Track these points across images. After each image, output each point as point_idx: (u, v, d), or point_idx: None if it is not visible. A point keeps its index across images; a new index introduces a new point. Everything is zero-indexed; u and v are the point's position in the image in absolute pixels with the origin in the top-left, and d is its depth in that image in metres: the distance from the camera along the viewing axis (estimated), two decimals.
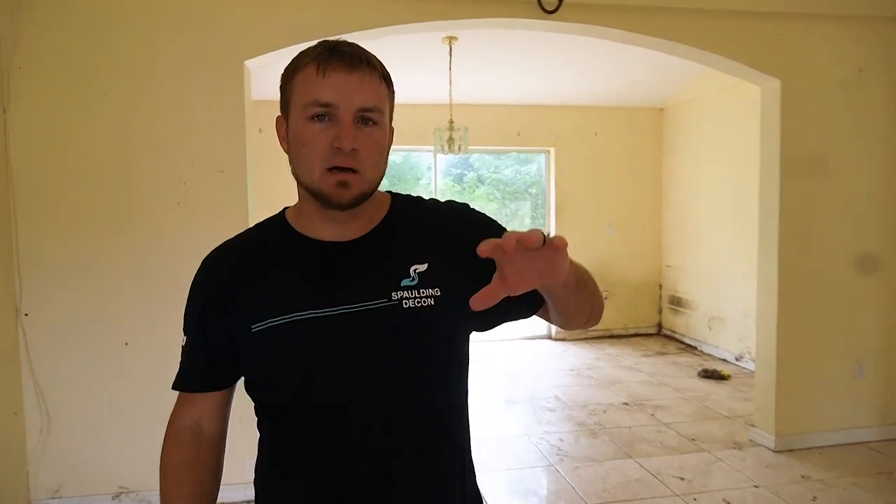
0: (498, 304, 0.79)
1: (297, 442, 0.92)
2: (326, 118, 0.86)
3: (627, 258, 6.35)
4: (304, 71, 0.88)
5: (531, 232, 0.69)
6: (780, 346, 3.42)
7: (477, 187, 7.07)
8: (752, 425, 3.67)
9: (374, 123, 0.88)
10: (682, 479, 3.15)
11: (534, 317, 1.03)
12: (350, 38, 2.78)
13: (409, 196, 1.04)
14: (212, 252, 1.00)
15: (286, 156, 0.93)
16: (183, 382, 1.00)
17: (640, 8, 3.09)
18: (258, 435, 0.99)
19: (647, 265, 6.43)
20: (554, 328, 6.31)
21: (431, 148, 4.83)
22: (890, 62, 3.45)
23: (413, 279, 0.91)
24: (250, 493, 1.05)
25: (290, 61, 0.92)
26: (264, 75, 2.92)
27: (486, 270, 0.74)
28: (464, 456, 1.01)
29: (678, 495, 2.97)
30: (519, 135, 6.13)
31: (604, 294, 5.43)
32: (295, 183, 0.93)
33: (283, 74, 0.92)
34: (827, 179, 3.42)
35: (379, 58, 0.92)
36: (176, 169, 2.75)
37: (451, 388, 0.98)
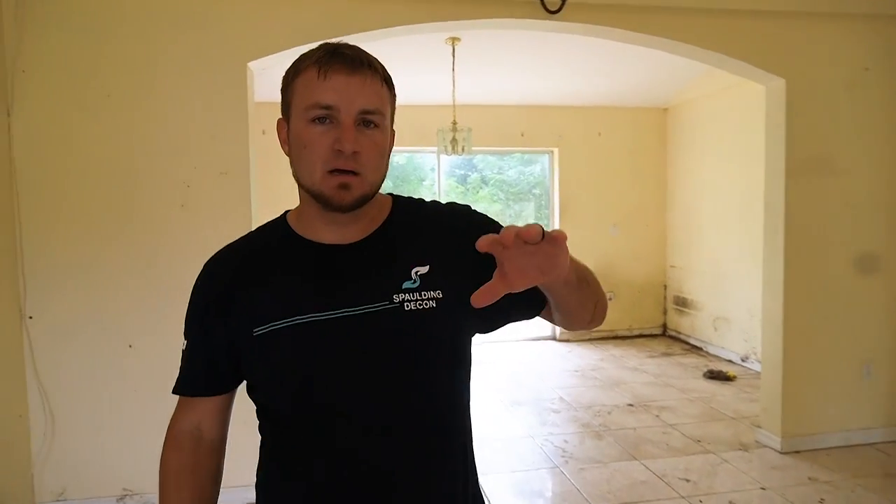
0: (500, 304, 0.79)
1: (299, 445, 0.92)
2: (328, 121, 0.86)
3: (632, 259, 6.33)
4: (305, 74, 0.88)
5: (530, 226, 0.68)
6: (786, 347, 3.40)
7: (480, 188, 7.05)
8: (759, 426, 3.65)
9: (376, 126, 0.88)
10: (687, 480, 3.13)
11: (537, 318, 1.02)
12: (353, 39, 2.78)
13: (410, 198, 1.03)
14: (213, 256, 1.00)
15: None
16: (183, 386, 0.99)
17: (643, 7, 3.08)
18: (259, 437, 0.99)
19: (651, 266, 6.41)
20: (558, 329, 6.30)
21: (435, 149, 4.82)
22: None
23: (415, 281, 0.91)
24: (250, 496, 1.04)
25: (291, 64, 0.92)
26: (267, 77, 2.92)
27: (487, 271, 0.74)
28: (466, 457, 1.00)
29: (684, 497, 2.95)
30: (522, 135, 6.12)
31: (608, 295, 5.41)
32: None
33: (283, 77, 0.92)
34: (832, 179, 3.40)
35: (382, 59, 0.92)
36: (179, 171, 2.75)
37: (454, 390, 0.97)
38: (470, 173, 7.02)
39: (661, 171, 6.38)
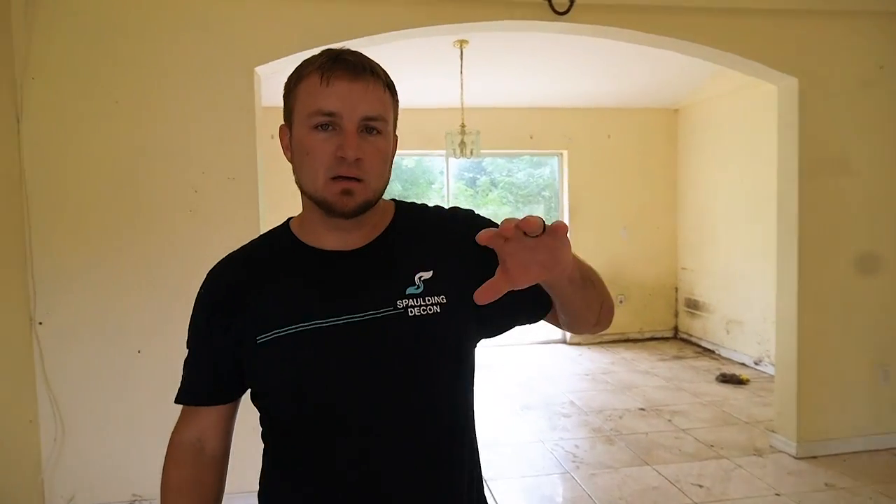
0: (504, 307, 0.79)
1: (303, 452, 0.91)
2: (330, 127, 0.86)
3: (642, 261, 6.28)
4: (308, 80, 0.87)
5: (529, 217, 0.67)
6: (800, 350, 3.34)
7: (490, 191, 7.03)
8: (773, 431, 3.59)
9: (378, 132, 0.88)
10: (700, 486, 3.08)
11: (542, 322, 1.01)
12: (360, 42, 2.76)
13: (412, 203, 1.03)
14: (216, 264, 1.00)
15: None
16: (186, 396, 0.99)
17: (652, 7, 3.05)
18: (261, 444, 0.98)
19: (662, 267, 6.35)
20: (568, 333, 6.24)
21: (443, 152, 4.81)
22: None
23: (418, 287, 0.91)
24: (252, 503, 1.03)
25: (293, 70, 0.91)
26: (275, 81, 2.91)
27: (491, 275, 0.73)
28: (471, 462, 0.99)
29: (697, 503, 2.91)
30: (531, 138, 6.09)
31: (619, 298, 5.35)
32: None
33: (286, 83, 0.92)
34: (847, 179, 3.35)
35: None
36: (187, 177, 2.76)
37: (459, 396, 0.96)
38: (479, 176, 7.00)
39: (671, 172, 6.33)
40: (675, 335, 6.42)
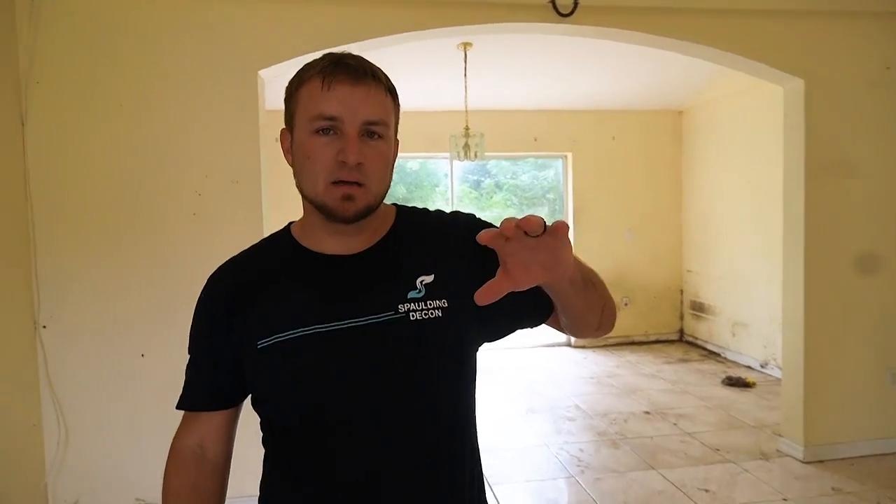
0: (506, 310, 0.80)
1: (304, 456, 0.91)
2: (331, 132, 0.86)
3: (647, 263, 6.25)
4: (309, 84, 0.87)
5: (530, 216, 0.68)
6: (807, 353, 3.32)
7: (494, 193, 7.02)
8: (780, 435, 3.57)
9: (380, 137, 0.88)
10: (706, 491, 3.06)
11: (544, 326, 1.01)
12: (364, 45, 2.75)
13: (413, 208, 1.03)
14: (217, 269, 1.00)
15: None
16: (187, 401, 0.99)
17: (657, 9, 3.03)
18: (261, 448, 0.98)
19: (667, 270, 6.33)
20: (571, 337, 6.23)
21: (448, 155, 4.80)
22: None
23: (420, 291, 0.91)
24: None
25: (294, 74, 0.91)
26: (278, 85, 2.91)
27: (492, 279, 0.74)
28: (473, 466, 0.99)
29: None
30: (536, 140, 6.08)
31: (623, 300, 5.33)
32: None
33: (287, 87, 0.92)
34: (853, 181, 3.32)
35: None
36: (191, 180, 2.76)
37: (460, 399, 0.96)
38: (484, 179, 6.99)
39: (676, 174, 6.31)
40: (681, 338, 6.38)
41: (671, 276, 6.34)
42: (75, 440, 2.74)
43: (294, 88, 0.90)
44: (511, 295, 0.75)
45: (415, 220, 1.00)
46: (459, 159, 4.61)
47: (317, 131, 0.86)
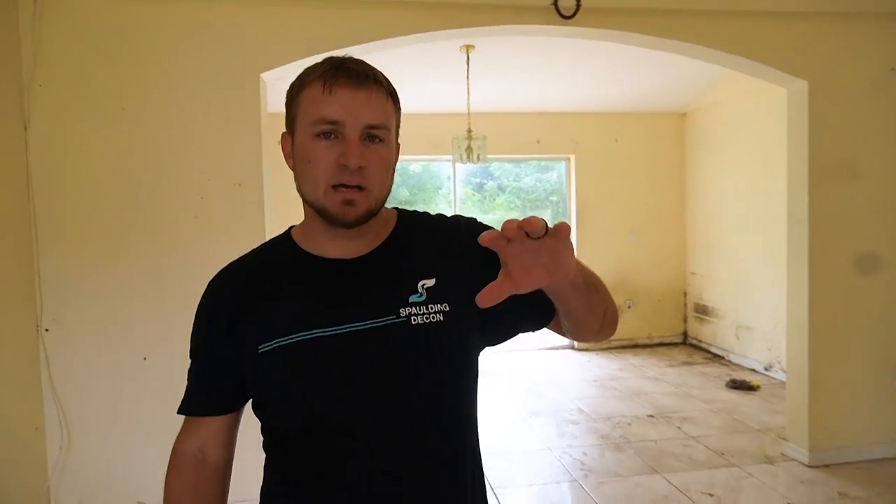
0: (507, 314, 0.80)
1: (305, 462, 0.91)
2: (332, 136, 0.86)
3: (651, 266, 6.24)
4: (310, 88, 0.87)
5: (531, 218, 0.68)
6: (812, 356, 3.30)
7: (497, 196, 7.02)
8: (785, 439, 3.54)
9: (381, 140, 0.88)
10: (711, 495, 3.04)
11: (545, 330, 1.01)
12: (367, 48, 2.75)
13: (414, 212, 1.03)
14: (217, 274, 1.00)
15: None
16: (189, 406, 0.98)
17: (660, 11, 3.03)
18: (262, 452, 0.98)
19: (671, 273, 6.31)
20: (572, 340, 6.21)
21: (450, 157, 4.80)
22: None
23: (421, 295, 0.91)
24: None
25: (295, 78, 0.91)
26: (281, 87, 2.91)
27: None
28: (473, 469, 0.98)
29: None
30: (538, 142, 6.08)
31: (627, 303, 5.31)
32: None
33: (288, 91, 0.92)
34: (858, 182, 3.31)
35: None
36: (193, 183, 2.76)
37: (462, 403, 0.96)
38: (487, 181, 6.99)
39: (679, 176, 6.29)
40: (685, 341, 6.36)
41: (675, 279, 6.32)
42: (77, 443, 2.74)
43: (295, 92, 0.90)
44: (512, 298, 0.75)
45: (416, 224, 1.00)
46: (462, 162, 4.61)
47: (318, 135, 0.86)
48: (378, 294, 0.91)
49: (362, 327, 0.88)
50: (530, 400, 4.64)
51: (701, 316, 6.11)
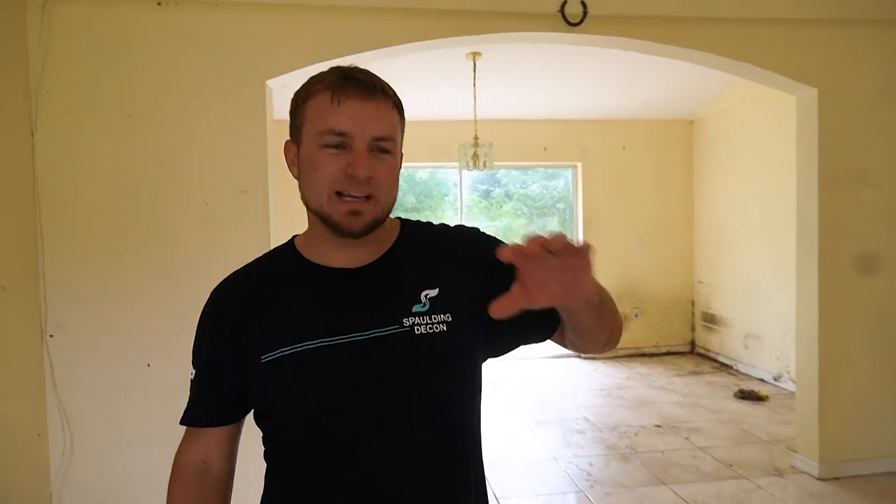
0: (512, 326, 0.79)
1: (307, 473, 0.90)
2: (340, 146, 0.86)
3: (658, 274, 6.20)
4: (318, 98, 0.87)
5: (555, 234, 0.66)
6: (822, 366, 3.25)
7: (504, 203, 7.01)
8: (794, 450, 3.50)
9: (388, 152, 0.88)
10: None
11: (548, 341, 1.00)
12: (373, 55, 2.74)
13: (417, 221, 1.03)
14: (220, 283, 1.00)
15: None
16: (191, 417, 0.98)
17: (667, 18, 3.01)
18: (263, 462, 0.97)
19: (678, 281, 6.27)
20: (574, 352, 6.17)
21: (457, 164, 4.79)
22: None
23: (424, 305, 0.91)
24: None
25: (300, 87, 0.91)
26: (286, 94, 2.91)
27: (496, 294, 0.73)
28: (476, 478, 0.98)
29: None
30: (545, 150, 6.07)
31: (634, 311, 5.27)
32: None
33: (293, 100, 0.92)
34: (868, 191, 3.27)
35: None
36: (198, 189, 2.75)
37: (464, 413, 0.96)
38: (493, 188, 6.97)
39: (687, 184, 6.26)
40: (692, 350, 6.31)
41: (682, 287, 6.28)
42: (80, 449, 2.73)
43: (301, 101, 0.90)
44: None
45: (419, 234, 1.00)
46: (468, 169, 4.60)
47: (325, 145, 0.86)
48: (381, 304, 0.91)
49: (366, 337, 0.88)
50: (536, 408, 4.60)
51: (709, 325, 6.06)
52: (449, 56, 4.06)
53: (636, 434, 4.01)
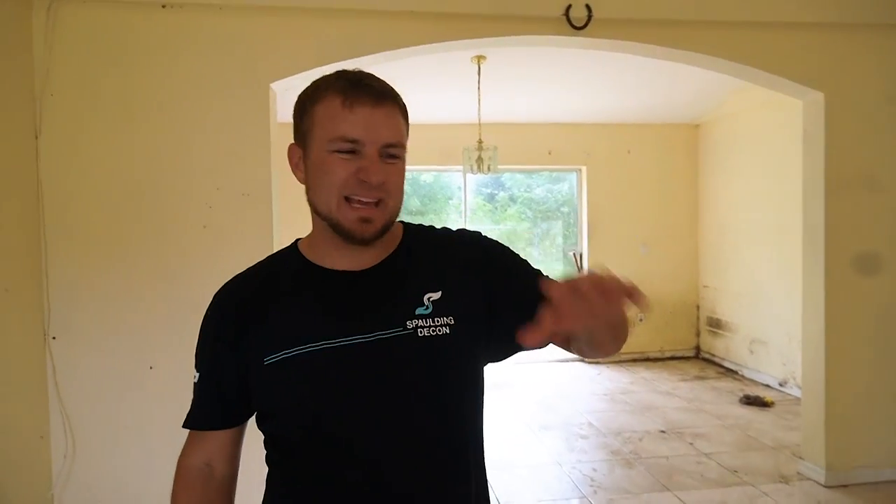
0: (513, 331, 0.77)
1: (309, 475, 0.90)
2: (351, 152, 0.86)
3: (663, 278, 6.17)
4: (327, 102, 0.87)
5: (610, 278, 0.66)
6: (828, 371, 3.22)
7: (509, 206, 7.00)
8: (800, 457, 3.47)
9: (397, 157, 0.89)
10: None
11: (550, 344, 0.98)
12: (377, 58, 2.73)
13: (420, 225, 1.04)
14: (223, 286, 1.00)
15: None
16: (194, 420, 0.98)
17: (673, 22, 3.00)
18: (265, 465, 0.97)
19: (683, 285, 6.24)
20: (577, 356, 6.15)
21: (461, 168, 4.79)
22: None
23: (427, 307, 0.91)
24: None
25: (305, 89, 0.91)
26: (290, 97, 2.91)
27: (498, 297, 0.75)
28: (478, 483, 0.97)
29: None
30: (550, 153, 6.06)
31: (639, 316, 5.22)
32: None
33: (298, 104, 0.92)
34: (875, 195, 3.25)
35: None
36: (201, 192, 2.75)
37: (467, 416, 0.96)
38: (498, 192, 6.97)
39: (692, 188, 6.24)
40: (697, 355, 6.28)
41: (687, 292, 6.25)
42: (82, 452, 2.73)
43: (308, 105, 0.90)
44: (518, 314, 0.73)
45: (422, 238, 1.00)
46: (473, 172, 4.59)
47: (335, 151, 0.86)
48: (385, 306, 0.91)
49: (369, 339, 0.88)
50: (540, 413, 4.58)
51: (714, 329, 6.03)
52: (453, 59, 4.06)
53: (640, 439, 3.99)
